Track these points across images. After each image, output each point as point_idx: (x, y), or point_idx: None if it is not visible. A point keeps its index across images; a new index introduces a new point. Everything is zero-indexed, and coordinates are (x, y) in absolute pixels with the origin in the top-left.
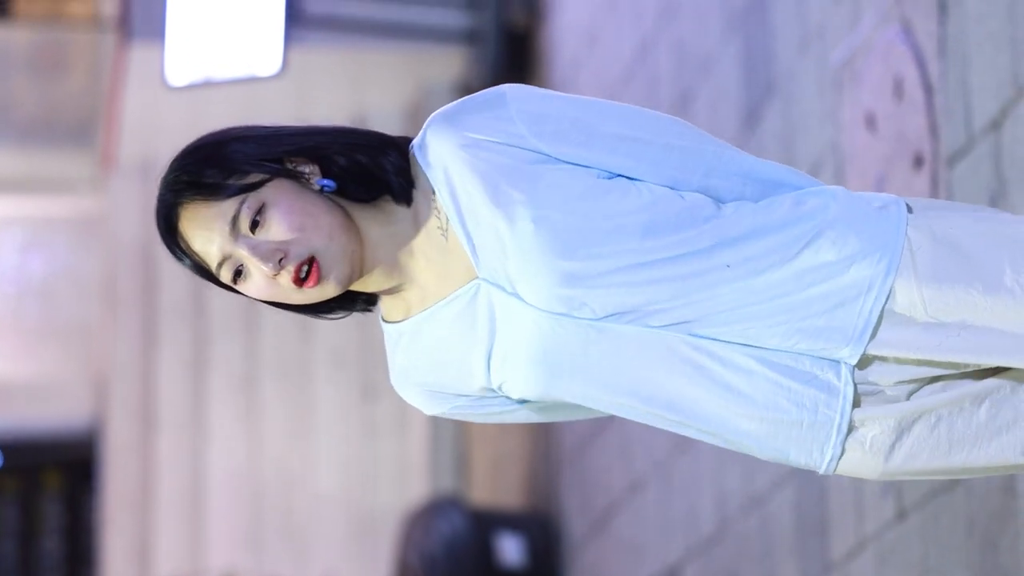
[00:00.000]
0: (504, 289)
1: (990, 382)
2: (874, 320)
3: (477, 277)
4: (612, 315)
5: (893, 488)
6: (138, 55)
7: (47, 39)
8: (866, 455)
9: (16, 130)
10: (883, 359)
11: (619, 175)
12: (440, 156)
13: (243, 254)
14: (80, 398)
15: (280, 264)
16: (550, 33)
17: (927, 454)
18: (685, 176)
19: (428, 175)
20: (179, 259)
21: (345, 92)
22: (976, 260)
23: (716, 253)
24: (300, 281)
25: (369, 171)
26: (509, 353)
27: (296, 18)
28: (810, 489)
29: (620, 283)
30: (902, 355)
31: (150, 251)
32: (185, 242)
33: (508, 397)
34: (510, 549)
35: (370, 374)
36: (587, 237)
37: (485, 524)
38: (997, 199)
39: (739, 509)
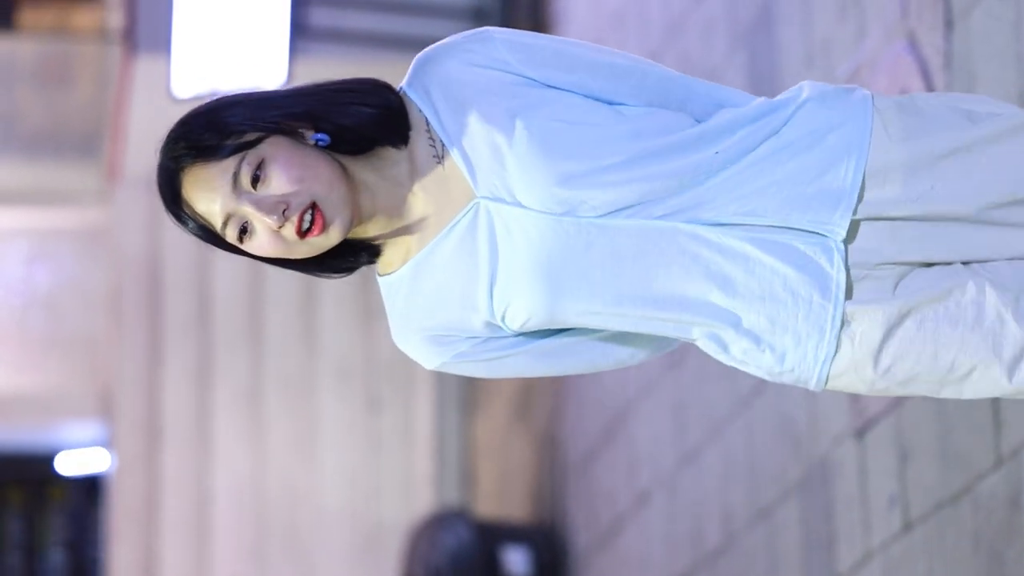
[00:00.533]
0: (504, 200)
1: (971, 277)
2: (859, 181)
3: (476, 198)
4: (612, 212)
5: (899, 500)
6: (144, 67)
7: (53, 51)
8: (856, 352)
9: (22, 142)
10: (872, 223)
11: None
12: (431, 84)
13: (247, 210)
14: (85, 410)
15: (284, 215)
16: None
17: (915, 354)
18: (665, 102)
19: (420, 106)
20: (183, 223)
21: None
22: (939, 119)
23: (703, 144)
24: (304, 232)
25: (357, 129)
26: (512, 270)
27: (301, 30)
28: (816, 502)
29: (615, 180)
30: (888, 213)
31: (156, 263)
32: (189, 207)
33: (511, 335)
34: (516, 562)
35: (375, 387)
36: (580, 140)
37: (491, 537)
38: None
39: (745, 522)
